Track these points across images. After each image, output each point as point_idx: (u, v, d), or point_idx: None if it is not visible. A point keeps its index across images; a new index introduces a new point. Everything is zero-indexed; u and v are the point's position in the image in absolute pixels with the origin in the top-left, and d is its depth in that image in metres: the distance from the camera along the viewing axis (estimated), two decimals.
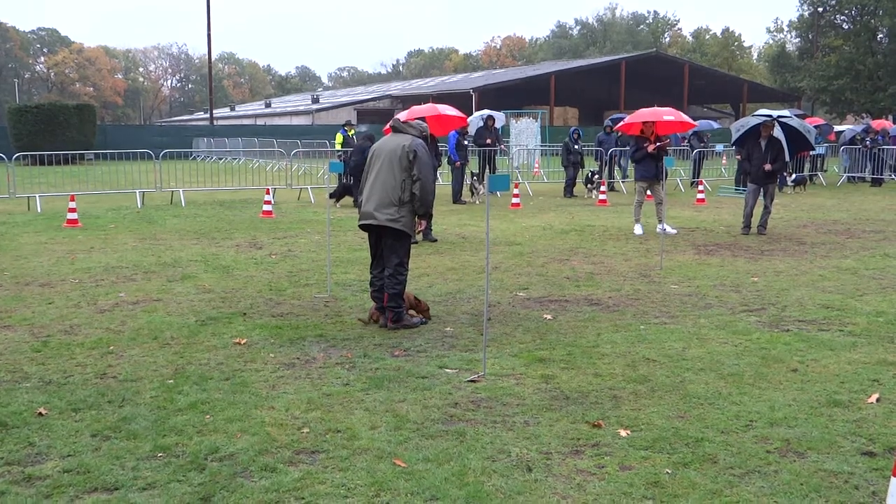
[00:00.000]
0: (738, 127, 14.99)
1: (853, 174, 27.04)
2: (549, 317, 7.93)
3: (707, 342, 6.95)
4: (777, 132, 14.73)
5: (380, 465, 4.41)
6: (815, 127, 21.96)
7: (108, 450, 4.63)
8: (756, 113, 15.18)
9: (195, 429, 4.94)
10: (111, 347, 6.79)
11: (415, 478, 4.25)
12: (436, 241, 13.07)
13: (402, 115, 13.61)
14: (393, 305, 7.40)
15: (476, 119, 24.29)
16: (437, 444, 4.70)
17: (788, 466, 4.40)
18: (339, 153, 23.43)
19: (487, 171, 21.30)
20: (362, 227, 7.65)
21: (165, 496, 4.05)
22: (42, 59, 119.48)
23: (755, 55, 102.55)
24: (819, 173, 27.65)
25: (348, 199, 19.98)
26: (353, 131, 24.74)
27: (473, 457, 4.52)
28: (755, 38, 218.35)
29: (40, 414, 5.18)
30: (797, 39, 72.66)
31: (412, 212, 7.43)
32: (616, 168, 24.31)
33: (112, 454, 4.56)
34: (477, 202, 19.80)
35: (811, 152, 24.06)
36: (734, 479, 4.26)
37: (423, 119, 13.18)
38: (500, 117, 26.09)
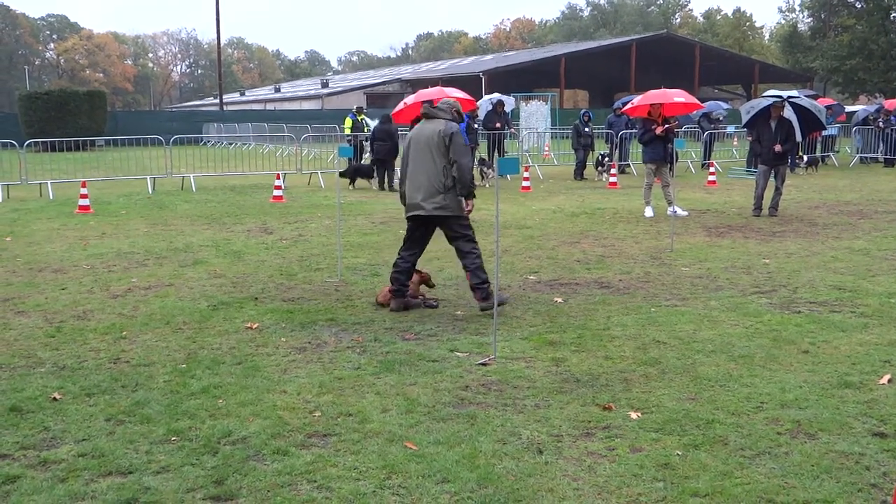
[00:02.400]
0: (749, 108, 14.92)
1: (866, 155, 26.84)
2: (559, 300, 7.93)
3: (718, 324, 6.94)
4: (788, 113, 14.64)
5: (391, 448, 4.43)
6: (827, 107, 21.81)
7: (122, 434, 4.67)
8: (766, 94, 15.10)
9: (208, 413, 4.98)
10: (124, 332, 6.83)
11: (426, 460, 4.27)
12: None
13: (409, 100, 13.62)
14: (478, 282, 7.39)
15: (485, 103, 24.17)
16: (448, 427, 4.72)
17: (799, 448, 4.40)
18: (349, 137, 23.40)
19: (496, 155, 21.24)
20: (410, 217, 7.64)
21: (179, 479, 4.09)
22: (52, 45, 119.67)
23: (767, 35, 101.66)
24: (831, 154, 27.46)
25: (362, 182, 20.02)
26: (362, 116, 24.68)
27: (484, 439, 4.54)
28: (767, 18, 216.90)
29: (55, 399, 5.23)
30: (809, 19, 72.01)
31: (457, 194, 7.45)
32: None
33: (126, 438, 4.60)
34: (487, 185, 19.77)
35: (823, 133, 23.94)
36: (745, 460, 4.27)
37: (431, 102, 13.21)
38: (509, 101, 25.96)
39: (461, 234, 7.50)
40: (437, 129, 7.36)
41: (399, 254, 7.73)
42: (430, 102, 7.81)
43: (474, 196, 7.56)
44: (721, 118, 28.31)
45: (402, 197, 7.70)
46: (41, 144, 23.26)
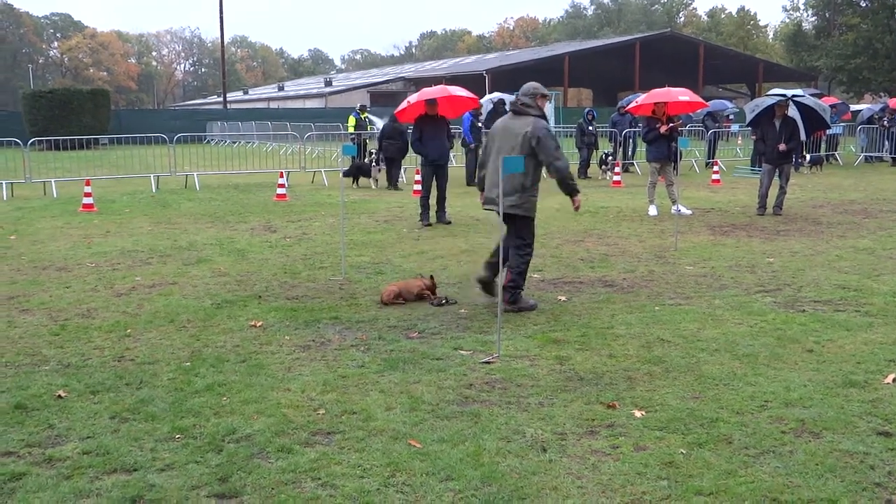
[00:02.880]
0: (753, 107, 14.88)
1: (870, 153, 26.79)
2: (563, 298, 7.93)
3: (722, 323, 6.93)
4: (792, 111, 14.60)
5: (395, 446, 4.44)
6: (832, 106, 21.76)
7: (126, 431, 4.68)
8: (770, 92, 15.07)
9: (212, 410, 4.99)
10: (128, 330, 6.84)
11: (430, 458, 4.27)
12: (450, 223, 13.07)
13: (412, 98, 13.62)
14: (512, 286, 7.40)
15: (486, 103, 24.15)
16: (451, 425, 4.72)
17: (804, 447, 4.40)
18: (353, 136, 23.41)
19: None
20: (487, 210, 7.81)
21: (183, 477, 4.10)
22: (56, 44, 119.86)
23: (771, 34, 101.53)
24: (836, 153, 27.41)
25: (365, 181, 20.02)
26: (365, 114, 24.68)
27: (488, 437, 4.54)
28: (771, 17, 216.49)
29: (59, 396, 5.24)
30: (814, 18, 71.87)
31: (535, 196, 7.51)
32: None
33: (130, 436, 4.61)
34: None
35: (827, 132, 23.88)
36: (749, 459, 4.26)
37: (434, 100, 13.20)
38: (510, 100, 25.91)
39: (521, 237, 7.56)
40: (524, 128, 7.35)
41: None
42: (516, 97, 7.70)
43: (579, 192, 7.71)
44: (731, 116, 28.26)
45: (481, 186, 7.82)
46: (45, 143, 23.31)
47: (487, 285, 7.71)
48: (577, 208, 7.82)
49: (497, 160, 7.37)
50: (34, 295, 8.24)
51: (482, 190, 7.78)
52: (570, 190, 7.57)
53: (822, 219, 13.51)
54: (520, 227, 7.54)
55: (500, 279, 7.03)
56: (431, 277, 8.01)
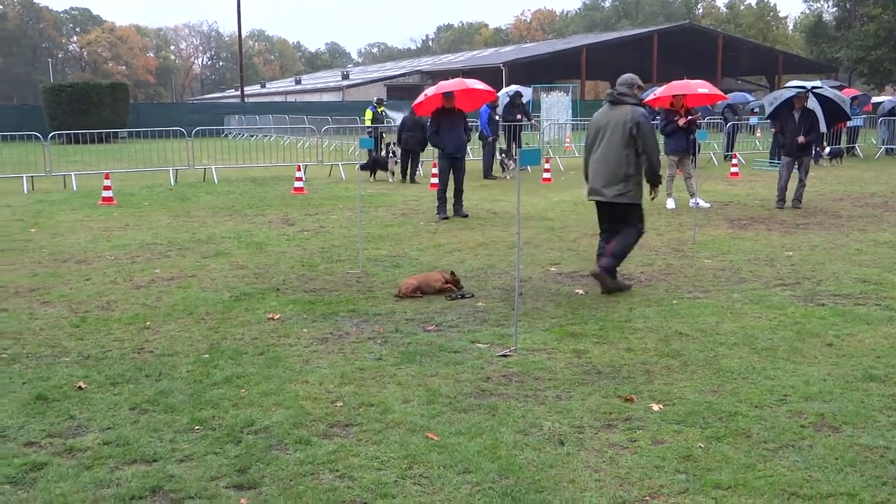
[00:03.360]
0: (772, 99, 14.78)
1: (892, 146, 26.51)
2: (580, 291, 7.91)
3: (741, 317, 6.90)
4: (812, 103, 14.48)
5: (413, 439, 4.45)
6: (852, 98, 21.54)
7: (146, 423, 4.71)
8: (789, 84, 14.95)
9: (231, 402, 5.02)
10: (147, 323, 6.89)
11: (447, 451, 4.28)
12: (467, 216, 13.06)
13: (429, 91, 13.60)
14: (611, 263, 7.75)
15: (503, 96, 24.08)
16: (469, 418, 4.73)
17: (823, 441, 4.37)
18: (369, 129, 23.43)
19: (515, 146, 21.16)
20: (591, 200, 8.11)
21: (202, 468, 4.13)
22: (75, 38, 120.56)
23: (791, 25, 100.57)
24: (856, 145, 27.15)
25: (382, 174, 20.04)
26: (382, 108, 24.69)
27: (505, 430, 4.54)
28: (791, 8, 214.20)
29: (80, 388, 5.29)
30: (834, 9, 71.05)
31: (639, 182, 7.77)
32: None
33: (150, 427, 4.65)
34: (508, 177, 19.74)
35: (848, 123, 23.66)
36: (768, 453, 4.24)
37: (451, 93, 13.17)
38: (526, 92, 25.85)
39: (629, 223, 7.85)
40: (623, 117, 7.60)
41: (601, 237, 8.10)
42: (613, 87, 8.00)
43: (661, 183, 8.01)
44: (756, 109, 27.99)
45: (586, 176, 8.11)
46: (65, 136, 23.52)
47: (606, 277, 7.91)
48: (653, 198, 8.13)
49: (599, 150, 7.76)
50: (55, 287, 8.31)
51: (587, 180, 8.07)
52: (654, 179, 7.85)
53: (842, 212, 13.40)
54: (629, 213, 7.83)
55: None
56: (452, 273, 7.99)
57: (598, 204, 8.00)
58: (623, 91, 7.73)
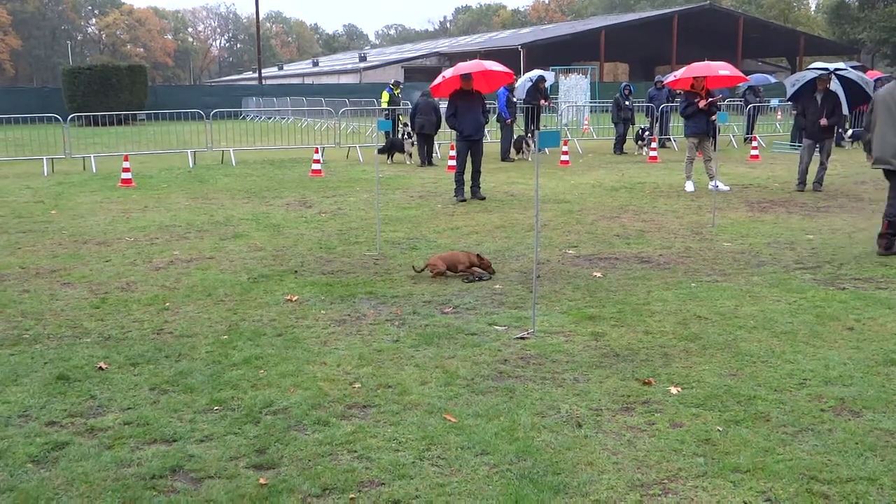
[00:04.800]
0: (794, 81, 14.59)
1: None
2: (598, 274, 7.88)
3: (760, 300, 6.85)
4: (834, 85, 14.30)
5: (430, 420, 4.46)
6: (875, 80, 21.23)
7: (166, 403, 4.75)
8: (811, 66, 14.77)
9: (250, 383, 5.04)
10: (167, 304, 6.93)
11: (465, 432, 4.29)
12: (484, 199, 13.04)
13: (447, 73, 13.54)
14: (891, 232, 8.52)
15: (525, 81, 23.91)
16: (486, 400, 4.73)
17: (843, 425, 4.34)
18: (386, 111, 23.39)
19: (533, 128, 21.07)
20: (876, 168, 8.84)
21: (222, 448, 4.16)
22: (93, 20, 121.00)
23: (813, 6, 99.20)
24: None
25: (399, 156, 20.03)
26: (398, 90, 24.63)
27: (523, 413, 4.54)
28: None
29: (100, 368, 5.33)
30: None
31: None
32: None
33: (170, 407, 4.68)
34: (529, 159, 19.66)
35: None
36: (787, 437, 4.22)
37: (469, 75, 13.12)
38: (549, 77, 25.66)
39: None
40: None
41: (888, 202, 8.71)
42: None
43: None
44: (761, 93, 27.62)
45: (868, 149, 8.85)
46: (84, 119, 23.58)
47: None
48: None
49: (882, 123, 8.46)
50: (75, 268, 8.38)
51: (869, 152, 8.78)
52: None
53: (863, 195, 13.26)
54: None
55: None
56: (479, 256, 7.94)
57: (885, 173, 8.67)
58: None
